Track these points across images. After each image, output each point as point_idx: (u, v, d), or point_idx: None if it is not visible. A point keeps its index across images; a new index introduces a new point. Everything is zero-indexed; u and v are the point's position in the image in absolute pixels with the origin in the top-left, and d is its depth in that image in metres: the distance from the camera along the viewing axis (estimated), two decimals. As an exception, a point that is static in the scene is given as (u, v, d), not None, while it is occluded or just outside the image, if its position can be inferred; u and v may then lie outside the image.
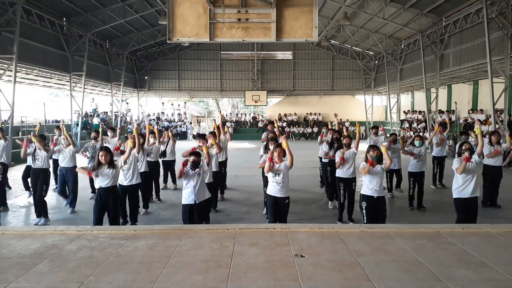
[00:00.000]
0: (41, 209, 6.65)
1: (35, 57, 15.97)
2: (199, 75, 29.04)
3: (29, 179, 8.45)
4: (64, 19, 17.88)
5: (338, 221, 6.65)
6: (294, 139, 27.82)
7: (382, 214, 5.31)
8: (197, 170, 5.22)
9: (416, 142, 7.66)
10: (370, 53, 27.39)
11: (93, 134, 8.59)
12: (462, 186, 5.41)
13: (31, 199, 8.37)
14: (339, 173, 6.66)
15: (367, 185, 5.27)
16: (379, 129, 9.89)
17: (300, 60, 28.84)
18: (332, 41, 27.38)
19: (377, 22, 19.86)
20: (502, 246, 4.08)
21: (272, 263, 3.61)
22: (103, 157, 5.28)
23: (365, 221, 5.30)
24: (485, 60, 13.39)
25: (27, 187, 8.50)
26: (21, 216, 7.42)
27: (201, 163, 5.33)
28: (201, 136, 6.72)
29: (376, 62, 27.68)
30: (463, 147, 5.55)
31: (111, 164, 5.36)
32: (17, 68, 14.34)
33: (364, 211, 5.31)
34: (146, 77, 28.67)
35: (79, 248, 4.02)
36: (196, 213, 5.25)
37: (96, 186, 5.38)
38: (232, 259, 3.69)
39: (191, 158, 5.25)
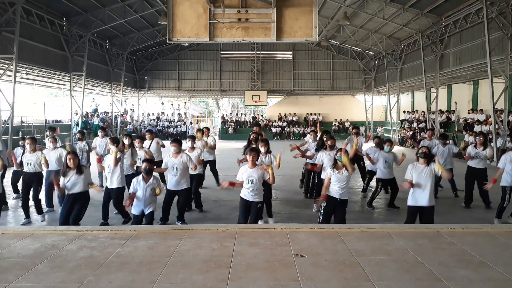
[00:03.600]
0: (36, 207, 6.74)
1: (35, 57, 15.97)
2: (199, 75, 29.03)
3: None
4: (64, 19, 17.88)
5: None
6: (294, 139, 27.83)
7: (341, 216, 5.23)
8: (150, 182, 5.47)
9: (386, 147, 7.43)
10: (370, 53, 27.38)
11: (77, 135, 8.57)
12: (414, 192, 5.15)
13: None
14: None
15: (333, 186, 5.19)
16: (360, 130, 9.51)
17: (300, 60, 28.83)
18: (332, 41, 27.38)
19: (377, 22, 19.86)
20: (502, 246, 4.08)
21: (272, 263, 3.61)
22: (71, 161, 5.33)
23: (320, 221, 5.24)
24: (485, 60, 13.39)
25: (16, 191, 8.49)
26: (21, 216, 7.41)
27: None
28: (192, 137, 6.72)
29: (376, 62, 27.68)
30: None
31: (79, 169, 5.41)
32: (17, 68, 14.34)
33: (321, 211, 5.27)
34: (146, 77, 28.67)
35: (79, 248, 4.01)
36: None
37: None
38: (232, 259, 3.69)
39: (143, 165, 5.56)
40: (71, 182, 5.36)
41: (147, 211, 5.43)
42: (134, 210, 5.47)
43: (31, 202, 6.78)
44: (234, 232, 4.48)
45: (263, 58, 28.91)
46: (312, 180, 8.22)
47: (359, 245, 4.07)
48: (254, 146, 6.68)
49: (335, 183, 5.18)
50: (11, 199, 8.41)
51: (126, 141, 7.23)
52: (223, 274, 3.37)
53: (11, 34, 13.58)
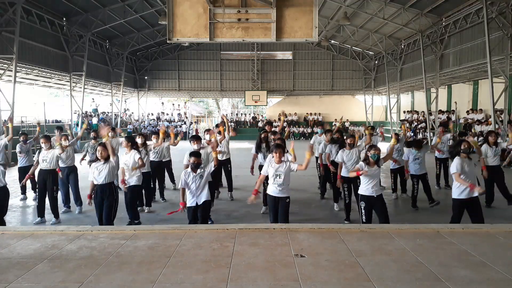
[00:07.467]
0: (52, 210, 6.67)
1: (35, 57, 15.98)
2: (199, 75, 29.04)
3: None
4: (64, 19, 17.90)
5: (346, 221, 6.60)
6: (294, 139, 27.84)
7: (383, 210, 5.25)
8: (199, 172, 5.22)
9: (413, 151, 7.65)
10: (370, 53, 27.39)
11: (92, 134, 8.67)
12: (460, 186, 5.31)
13: (30, 201, 8.39)
14: (343, 172, 6.62)
15: (365, 185, 5.24)
16: (376, 129, 9.82)
17: (300, 60, 28.84)
18: (332, 41, 27.39)
19: (377, 22, 19.87)
20: (502, 246, 4.08)
21: (272, 263, 3.61)
22: (100, 152, 5.37)
23: (363, 221, 5.27)
24: (485, 60, 13.40)
25: (24, 190, 8.51)
26: (21, 216, 7.42)
27: (202, 164, 5.33)
28: (196, 138, 6.61)
29: (376, 62, 27.69)
30: (462, 146, 5.35)
31: (107, 160, 5.43)
32: (17, 68, 14.36)
33: (362, 211, 5.29)
34: (146, 77, 28.68)
35: (79, 248, 4.01)
36: (200, 215, 5.26)
37: (95, 182, 5.45)
38: (232, 259, 3.69)
39: (191, 159, 5.24)
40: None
41: (201, 201, 5.25)
42: (189, 203, 5.27)
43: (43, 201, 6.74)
44: (234, 232, 4.48)
45: (263, 58, 28.92)
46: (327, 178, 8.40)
47: (359, 245, 4.06)
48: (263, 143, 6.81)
49: (367, 181, 5.20)
50: (19, 200, 8.43)
51: (139, 140, 7.37)
52: (223, 274, 3.37)
53: (11, 34, 13.59)
